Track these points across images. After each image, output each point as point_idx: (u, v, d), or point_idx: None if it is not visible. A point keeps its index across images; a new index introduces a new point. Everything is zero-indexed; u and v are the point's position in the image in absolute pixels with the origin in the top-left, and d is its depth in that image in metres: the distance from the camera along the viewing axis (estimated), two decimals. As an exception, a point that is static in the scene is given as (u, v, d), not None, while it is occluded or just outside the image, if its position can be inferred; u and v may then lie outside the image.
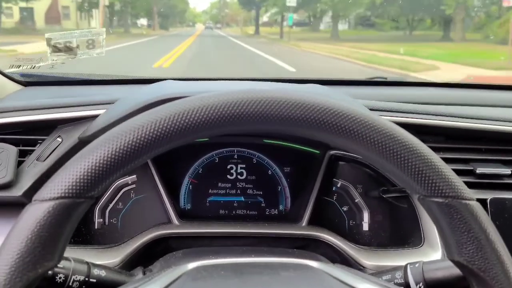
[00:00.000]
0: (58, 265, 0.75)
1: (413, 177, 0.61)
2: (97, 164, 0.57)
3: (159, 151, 0.60)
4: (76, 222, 0.59)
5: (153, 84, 1.23)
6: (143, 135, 0.58)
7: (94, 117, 1.10)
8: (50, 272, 0.74)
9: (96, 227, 1.18)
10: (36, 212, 0.55)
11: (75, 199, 0.57)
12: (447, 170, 0.62)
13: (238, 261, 0.76)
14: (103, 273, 0.80)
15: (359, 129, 0.60)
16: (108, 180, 0.58)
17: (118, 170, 0.58)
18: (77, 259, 0.79)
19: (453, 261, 0.63)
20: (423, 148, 0.62)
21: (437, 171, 0.60)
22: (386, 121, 0.62)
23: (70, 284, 0.76)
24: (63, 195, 0.56)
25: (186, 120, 0.59)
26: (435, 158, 0.62)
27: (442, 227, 0.62)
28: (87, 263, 0.79)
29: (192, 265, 0.71)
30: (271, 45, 26.07)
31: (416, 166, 0.60)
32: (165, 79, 1.32)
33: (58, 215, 0.56)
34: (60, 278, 0.75)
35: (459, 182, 0.61)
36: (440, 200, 0.60)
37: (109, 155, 0.57)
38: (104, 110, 1.11)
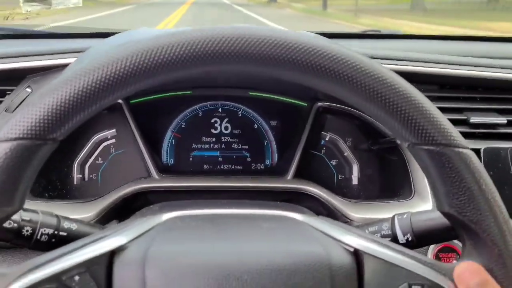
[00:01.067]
0: (24, 218, 0.71)
1: (402, 123, 0.56)
2: (59, 104, 0.52)
3: (125, 92, 0.55)
4: (38, 166, 0.55)
5: (127, 31, 1.18)
6: (108, 74, 0.53)
7: (65, 65, 1.05)
8: (15, 225, 0.70)
9: (75, 183, 1.15)
10: None
11: (35, 140, 0.52)
12: (440, 116, 0.57)
13: (218, 212, 0.73)
14: (74, 226, 0.76)
15: (344, 70, 0.55)
16: (71, 121, 0.53)
17: (81, 110, 0.53)
18: (45, 211, 0.75)
19: (443, 212, 0.59)
20: (414, 92, 0.57)
21: (429, 117, 0.56)
22: (374, 62, 0.57)
23: (38, 237, 0.72)
24: (21, 135, 0.52)
25: (154, 58, 0.54)
26: (427, 103, 0.57)
27: (433, 176, 0.58)
28: (57, 216, 0.75)
29: (167, 215, 0.67)
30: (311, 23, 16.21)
31: (406, 111, 0.55)
32: None
33: (17, 157, 0.52)
34: (27, 231, 0.71)
35: (452, 129, 0.57)
36: (431, 148, 0.56)
37: (72, 94, 0.52)
38: (75, 59, 1.06)
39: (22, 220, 0.71)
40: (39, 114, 0.52)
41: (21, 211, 0.71)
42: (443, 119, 0.57)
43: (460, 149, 0.56)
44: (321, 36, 1.14)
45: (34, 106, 0.53)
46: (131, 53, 0.54)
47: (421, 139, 0.56)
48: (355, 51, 0.58)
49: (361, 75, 0.55)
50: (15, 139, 0.52)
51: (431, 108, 0.57)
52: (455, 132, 0.57)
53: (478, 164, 0.57)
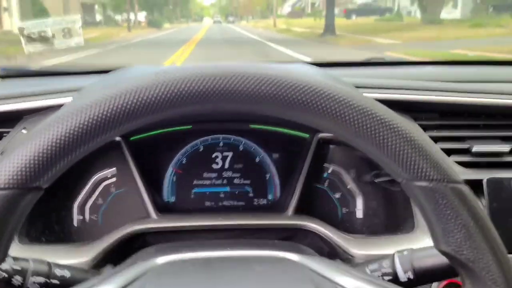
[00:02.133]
0: (14, 267, 0.70)
1: (393, 159, 0.55)
2: (40, 151, 0.52)
3: (109, 135, 0.54)
4: (22, 215, 0.54)
5: (120, 69, 1.18)
6: (90, 117, 0.52)
7: (60, 105, 1.05)
8: (6, 275, 0.69)
9: (76, 225, 1.13)
10: None
11: (17, 190, 0.51)
12: (431, 150, 0.55)
13: (212, 255, 0.71)
14: (66, 273, 0.75)
15: (330, 105, 0.54)
16: (55, 168, 0.53)
17: (65, 156, 0.53)
18: (36, 259, 0.74)
19: (440, 251, 0.57)
20: (404, 125, 0.55)
21: (420, 151, 0.54)
22: (363, 96, 0.56)
23: (29, 286, 0.71)
24: (2, 186, 0.51)
25: (137, 99, 0.53)
26: (418, 137, 0.55)
27: (428, 214, 0.56)
28: (48, 263, 0.75)
29: (160, 260, 0.66)
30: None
31: (396, 146, 0.54)
32: None
33: None
34: (17, 280, 0.70)
35: (444, 163, 0.55)
36: (423, 184, 0.54)
37: (53, 140, 0.52)
38: (71, 98, 1.06)
39: (12, 269, 0.70)
40: (20, 163, 0.51)
41: (11, 260, 0.70)
42: (436, 153, 0.55)
43: (454, 184, 0.55)
44: (312, 68, 1.14)
45: (14, 154, 0.52)
46: (111, 96, 0.53)
47: (413, 175, 0.54)
48: (345, 83, 0.57)
49: (347, 109, 0.54)
50: None
51: (422, 141, 0.55)
52: (448, 166, 0.55)
53: (473, 200, 0.55)
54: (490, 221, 0.56)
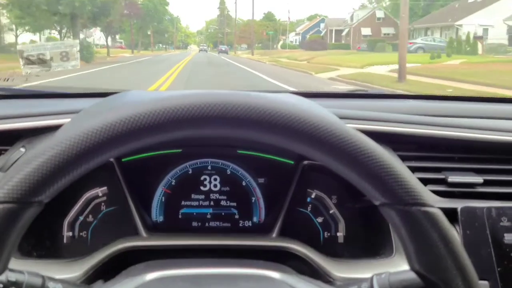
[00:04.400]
0: (10, 279, 0.73)
1: (371, 184, 0.60)
2: (43, 168, 0.55)
3: (108, 155, 0.59)
4: (22, 228, 0.57)
5: (118, 93, 1.23)
6: (92, 139, 0.57)
7: (59, 126, 1.09)
8: (1, 285, 0.72)
9: (64, 241, 1.16)
10: None
11: (20, 204, 0.55)
12: (407, 176, 0.60)
13: (199, 272, 0.75)
14: (59, 287, 0.78)
15: (315, 132, 0.59)
16: (56, 184, 0.57)
17: (66, 174, 0.57)
18: (31, 272, 0.76)
19: (415, 271, 0.61)
20: (382, 153, 0.60)
21: (396, 177, 0.59)
22: (343, 125, 0.61)
23: None
24: (6, 199, 0.54)
25: (134, 125, 0.58)
26: (395, 164, 0.60)
27: (402, 235, 0.60)
28: (42, 276, 0.77)
29: (149, 276, 0.69)
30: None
31: (374, 171, 0.59)
32: None
33: (1, 220, 0.54)
34: None
35: (419, 188, 0.60)
36: (399, 207, 0.59)
37: (56, 159, 0.56)
38: (69, 120, 1.10)
39: (8, 281, 0.72)
40: (24, 178, 0.55)
41: (7, 272, 0.73)
42: (411, 179, 0.60)
43: (427, 208, 0.59)
44: (294, 98, 1.19)
45: (19, 170, 0.55)
46: (113, 120, 0.58)
47: (390, 199, 0.59)
48: (326, 112, 0.62)
49: (330, 137, 0.59)
50: (0, 202, 0.54)
51: (399, 168, 0.60)
52: (422, 191, 0.60)
53: (444, 223, 0.60)
54: (460, 244, 0.60)
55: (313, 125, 0.59)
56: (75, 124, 0.59)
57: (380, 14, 49.70)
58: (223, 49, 54.16)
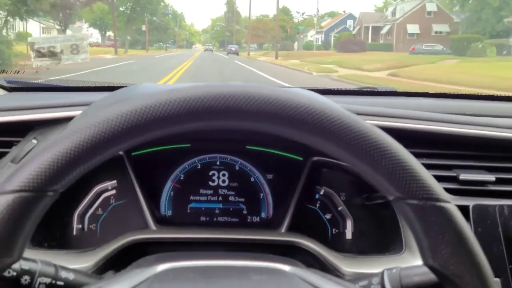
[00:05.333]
0: (23, 267, 0.73)
1: (386, 178, 0.59)
2: (59, 157, 0.56)
3: (123, 146, 0.59)
4: (38, 217, 0.57)
5: (130, 86, 1.23)
6: (107, 128, 0.57)
7: (71, 118, 1.09)
8: (14, 273, 0.72)
9: (74, 233, 1.16)
10: None
11: (36, 192, 0.55)
12: (422, 171, 0.60)
13: (209, 264, 0.75)
14: (71, 276, 0.78)
15: (331, 126, 0.59)
16: (71, 174, 0.57)
17: (81, 164, 0.57)
18: (44, 261, 0.77)
19: (428, 266, 0.61)
20: (398, 148, 0.60)
21: (411, 172, 0.59)
22: (359, 119, 0.61)
23: (36, 286, 0.74)
24: (23, 188, 0.55)
25: (149, 115, 0.58)
26: (410, 159, 0.60)
27: (416, 230, 0.60)
28: (55, 265, 0.78)
29: (161, 267, 0.69)
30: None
31: (390, 166, 0.58)
32: None
33: (17, 208, 0.54)
34: (25, 280, 0.73)
35: (434, 183, 0.59)
36: (414, 202, 0.58)
37: (72, 149, 0.56)
38: (80, 112, 1.10)
39: (21, 269, 0.73)
40: (41, 167, 0.55)
41: (20, 260, 0.73)
42: (426, 174, 0.60)
43: (442, 203, 0.59)
44: (309, 92, 1.18)
45: (35, 159, 0.56)
46: (128, 111, 0.58)
47: (405, 194, 0.59)
48: (343, 107, 0.61)
49: (346, 131, 0.59)
50: (17, 191, 0.54)
51: (414, 163, 0.60)
52: (437, 186, 0.59)
53: (460, 218, 0.59)
54: (475, 239, 0.60)
55: (329, 119, 0.59)
56: (90, 114, 0.59)
57: (431, 7, 40.55)
58: (233, 49, 43.49)
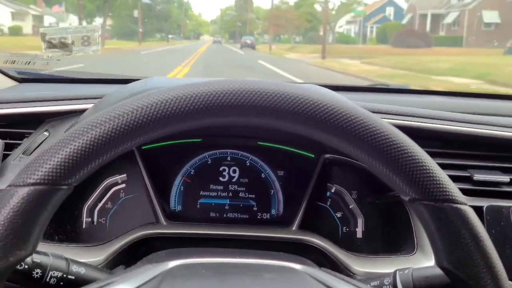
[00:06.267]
0: (35, 260, 0.73)
1: (402, 178, 0.58)
2: (75, 152, 0.55)
3: (139, 140, 0.58)
4: (52, 210, 0.57)
5: (141, 79, 1.22)
6: (123, 123, 0.56)
7: (82, 111, 1.09)
8: (26, 266, 0.72)
9: (84, 226, 1.16)
10: (9, 198, 0.54)
11: (51, 186, 0.55)
12: (439, 172, 0.59)
13: (221, 261, 0.74)
14: (82, 270, 0.78)
15: (348, 124, 0.58)
16: (86, 168, 0.57)
17: (96, 158, 0.57)
18: (55, 254, 0.77)
19: (442, 267, 0.60)
20: (415, 148, 0.59)
21: (428, 172, 0.58)
22: (377, 118, 0.60)
23: (48, 280, 0.74)
24: (38, 181, 0.54)
25: (165, 110, 0.57)
26: (427, 159, 0.59)
27: (432, 231, 0.59)
28: (66, 259, 0.78)
29: (172, 263, 0.69)
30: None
31: (407, 166, 0.58)
32: None
33: (33, 202, 0.54)
34: (37, 273, 0.73)
35: (451, 185, 0.59)
36: (430, 203, 0.58)
37: (87, 143, 0.56)
38: (92, 105, 1.10)
39: (33, 262, 0.73)
40: (56, 161, 0.55)
41: (33, 254, 0.73)
42: (443, 175, 0.59)
43: (458, 205, 0.58)
44: (324, 89, 1.18)
45: (51, 153, 0.55)
46: (144, 104, 0.57)
47: (421, 195, 0.58)
48: (357, 105, 0.61)
49: (363, 130, 0.58)
50: (32, 184, 0.54)
51: (431, 164, 0.59)
52: (454, 188, 0.59)
53: (475, 221, 0.58)
54: (491, 243, 0.59)
55: (345, 116, 0.58)
56: (106, 108, 0.58)
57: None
58: (248, 41, 35.10)
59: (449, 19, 30.30)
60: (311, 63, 20.01)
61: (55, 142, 0.57)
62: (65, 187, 0.56)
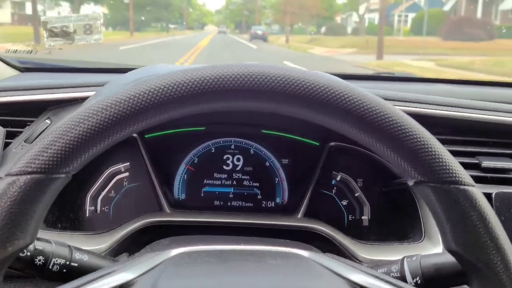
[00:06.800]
0: (37, 247, 0.73)
1: (408, 160, 0.57)
2: (71, 140, 0.54)
3: (136, 128, 0.57)
4: (51, 199, 0.56)
5: (145, 66, 1.20)
6: (120, 110, 0.55)
7: (84, 98, 1.08)
8: (28, 253, 0.71)
9: (87, 215, 1.16)
10: (7, 187, 0.53)
11: (49, 174, 0.54)
12: (446, 154, 0.58)
13: (225, 248, 0.73)
14: (85, 257, 0.77)
15: (353, 107, 0.57)
16: (84, 156, 0.55)
17: (93, 146, 0.56)
18: (58, 242, 0.76)
19: (450, 251, 0.59)
20: (421, 130, 0.58)
21: (435, 154, 0.56)
22: (382, 100, 0.59)
23: (50, 267, 0.73)
24: (36, 170, 0.53)
25: (161, 96, 0.56)
26: (434, 142, 0.58)
27: (439, 214, 0.58)
28: (69, 246, 0.77)
29: (176, 251, 0.68)
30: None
31: (412, 148, 0.56)
32: None
33: (30, 190, 0.53)
34: (39, 260, 0.72)
35: (457, 167, 0.57)
36: (437, 185, 0.56)
37: (84, 131, 0.55)
38: (94, 92, 1.09)
39: (35, 249, 0.72)
40: (53, 150, 0.54)
41: (34, 240, 0.72)
42: (449, 157, 0.57)
43: (466, 187, 0.56)
44: (331, 75, 1.16)
45: (48, 141, 0.54)
46: (141, 91, 0.56)
47: (428, 176, 0.56)
48: (365, 90, 0.59)
49: (368, 112, 0.57)
50: (30, 173, 0.53)
51: (438, 146, 0.57)
52: (460, 170, 0.57)
53: (483, 202, 0.57)
54: (500, 224, 0.57)
55: (351, 99, 0.57)
56: (103, 96, 0.57)
57: None
58: (260, 32, 30.61)
59: (506, 5, 22.96)
60: (366, 65, 12.47)
61: (52, 130, 0.56)
62: (63, 175, 0.55)
